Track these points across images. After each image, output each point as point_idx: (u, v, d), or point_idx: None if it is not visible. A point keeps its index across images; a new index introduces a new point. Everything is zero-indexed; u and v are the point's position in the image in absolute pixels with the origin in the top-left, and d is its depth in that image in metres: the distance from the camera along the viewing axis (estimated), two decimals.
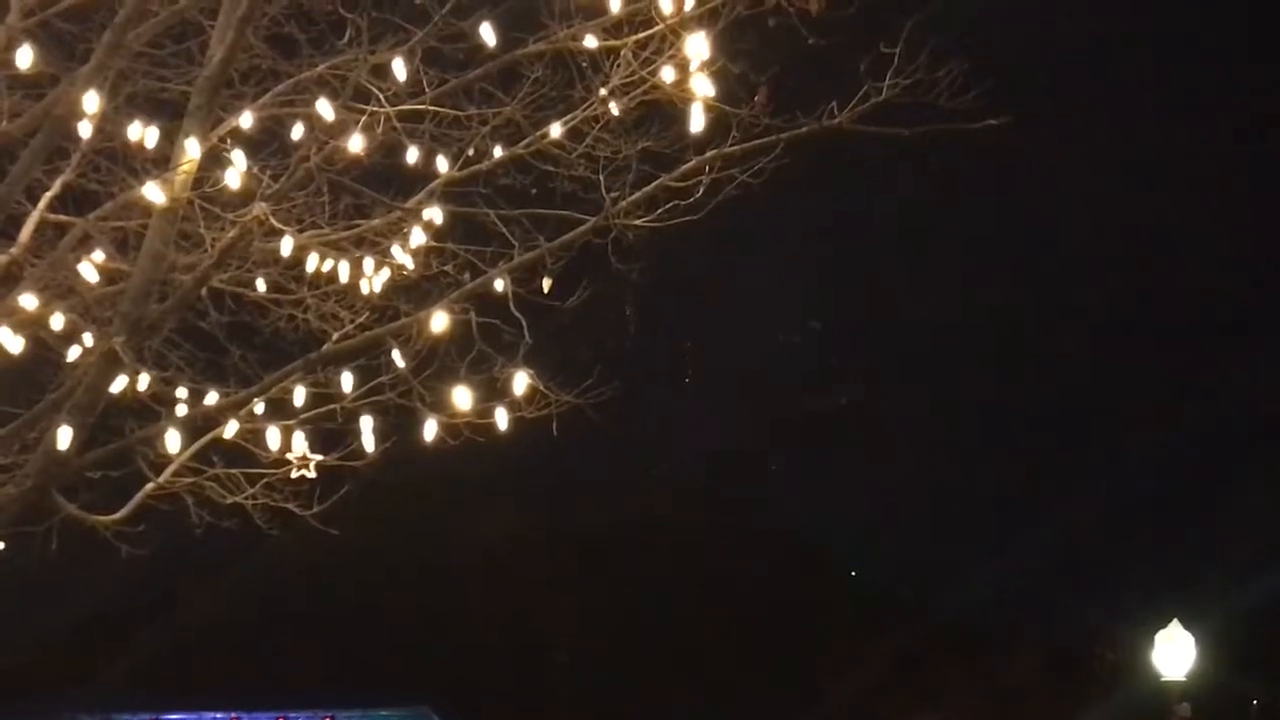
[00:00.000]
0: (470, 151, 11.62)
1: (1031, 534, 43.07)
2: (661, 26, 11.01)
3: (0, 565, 11.97)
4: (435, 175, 11.37)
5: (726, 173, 11.78)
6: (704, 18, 11.05)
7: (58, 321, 10.24)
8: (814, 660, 43.77)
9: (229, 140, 10.58)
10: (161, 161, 10.47)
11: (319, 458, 11.24)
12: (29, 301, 10.11)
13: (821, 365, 47.37)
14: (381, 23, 11.43)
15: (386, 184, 11.68)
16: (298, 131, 10.64)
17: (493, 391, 11.03)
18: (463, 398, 10.80)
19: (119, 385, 10.44)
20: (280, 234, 10.57)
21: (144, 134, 9.96)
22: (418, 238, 11.13)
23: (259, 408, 11.23)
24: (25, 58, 9.78)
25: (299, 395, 11.02)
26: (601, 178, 11.65)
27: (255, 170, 10.74)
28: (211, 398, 11.26)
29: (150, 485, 11.22)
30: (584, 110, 11.52)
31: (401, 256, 11.21)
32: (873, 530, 49.09)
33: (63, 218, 10.98)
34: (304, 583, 40.08)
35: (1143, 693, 31.84)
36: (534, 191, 12.03)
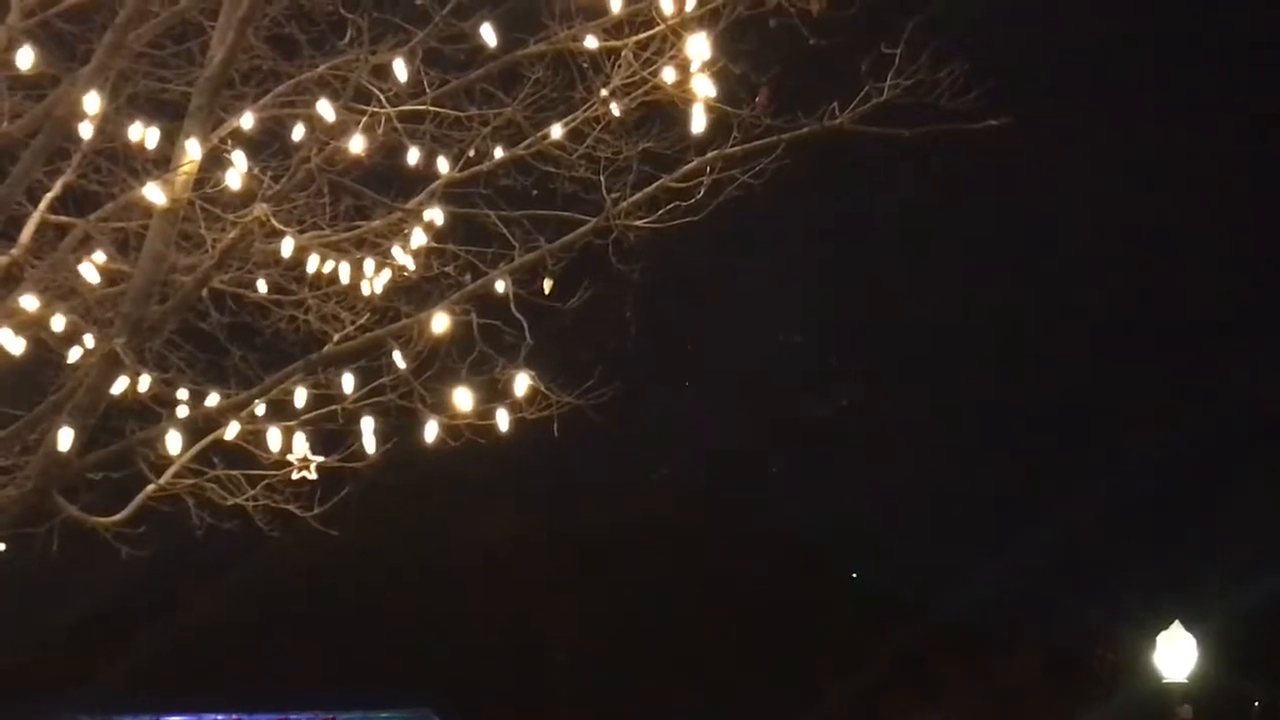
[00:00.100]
0: (471, 152, 11.62)
1: (1031, 534, 43.10)
2: (662, 27, 11.00)
3: (1, 566, 11.96)
4: (436, 176, 11.37)
5: (727, 173, 11.78)
6: (705, 18, 11.04)
7: (59, 323, 10.23)
8: (814, 660, 43.78)
9: (230, 141, 10.57)
10: (162, 162, 10.46)
11: (320, 459, 11.23)
12: (30, 303, 10.10)
13: (822, 366, 47.43)
14: (382, 23, 11.43)
15: (387, 185, 11.68)
16: (298, 132, 10.64)
17: (494, 393, 11.03)
18: (464, 399, 10.79)
19: (120, 386, 10.44)
20: (281, 235, 10.57)
21: (145, 135, 9.96)
22: (418, 239, 11.13)
23: (260, 409, 11.23)
24: (26, 58, 9.78)
25: (300, 396, 11.01)
26: (602, 178, 11.65)
27: (256, 171, 10.74)
28: (212, 399, 11.26)
29: (151, 487, 11.22)
30: (585, 111, 11.52)
31: (402, 257, 11.21)
32: (873, 530, 49.12)
33: (63, 219, 10.98)
34: (305, 584, 40.09)
35: (1144, 694, 31.81)
36: (535, 192, 12.03)
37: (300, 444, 11.05)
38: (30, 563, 12.11)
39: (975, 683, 42.56)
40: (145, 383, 10.61)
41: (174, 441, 10.75)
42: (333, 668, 39.90)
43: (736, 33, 11.29)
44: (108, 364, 10.33)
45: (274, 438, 10.90)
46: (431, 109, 11.46)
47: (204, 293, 11.42)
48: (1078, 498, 43.73)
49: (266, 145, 11.31)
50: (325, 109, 10.37)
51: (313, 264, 11.01)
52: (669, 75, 11.09)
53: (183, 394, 11.35)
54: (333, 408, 11.23)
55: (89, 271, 10.28)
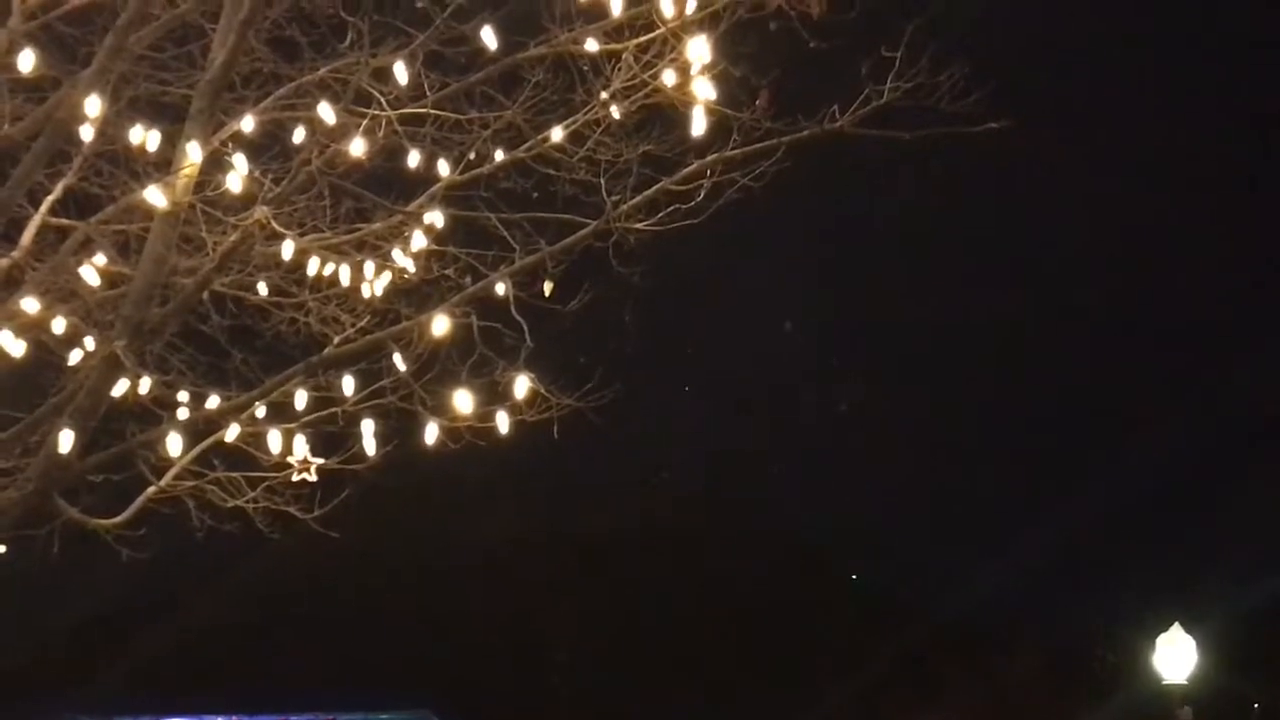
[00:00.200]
0: (471, 155, 11.62)
1: (1031, 534, 43.14)
2: (663, 30, 11.01)
3: (2, 568, 11.97)
4: (436, 179, 11.38)
5: (728, 176, 11.77)
6: (705, 21, 11.04)
7: (59, 325, 10.23)
8: (814, 660, 43.78)
9: (230, 144, 10.57)
10: (163, 165, 10.47)
11: (320, 461, 11.25)
12: (30, 305, 10.10)
13: (822, 366, 47.46)
14: (383, 26, 11.42)
15: (388, 187, 11.69)
16: (299, 135, 10.65)
17: (494, 395, 11.04)
18: (464, 401, 10.81)
19: (120, 389, 10.45)
20: (281, 238, 10.58)
21: (145, 137, 9.96)
22: (419, 241, 11.14)
23: (260, 411, 11.23)
24: (27, 61, 9.78)
25: (300, 399, 11.02)
26: (602, 181, 11.66)
27: (257, 174, 10.75)
28: (213, 401, 11.27)
29: (151, 489, 11.23)
30: (585, 114, 11.52)
31: (402, 260, 11.21)
32: (873, 530, 49.14)
33: (64, 221, 10.97)
34: (305, 586, 40.13)
35: (1144, 695, 31.84)
36: (535, 195, 12.04)
37: (300, 446, 11.06)
38: (31, 564, 12.13)
39: (975, 683, 42.56)
40: (146, 385, 10.62)
41: (174, 444, 10.76)
42: (333, 669, 39.91)
43: (737, 36, 11.30)
44: (108, 366, 10.34)
45: (274, 440, 10.91)
46: (432, 112, 11.46)
47: (205, 295, 11.42)
48: (1078, 498, 43.81)
49: (267, 148, 11.32)
50: (326, 112, 10.38)
51: (313, 266, 11.01)
52: (669, 78, 11.09)
53: (183, 396, 11.36)
54: (333, 410, 11.24)
55: (90, 274, 10.29)
